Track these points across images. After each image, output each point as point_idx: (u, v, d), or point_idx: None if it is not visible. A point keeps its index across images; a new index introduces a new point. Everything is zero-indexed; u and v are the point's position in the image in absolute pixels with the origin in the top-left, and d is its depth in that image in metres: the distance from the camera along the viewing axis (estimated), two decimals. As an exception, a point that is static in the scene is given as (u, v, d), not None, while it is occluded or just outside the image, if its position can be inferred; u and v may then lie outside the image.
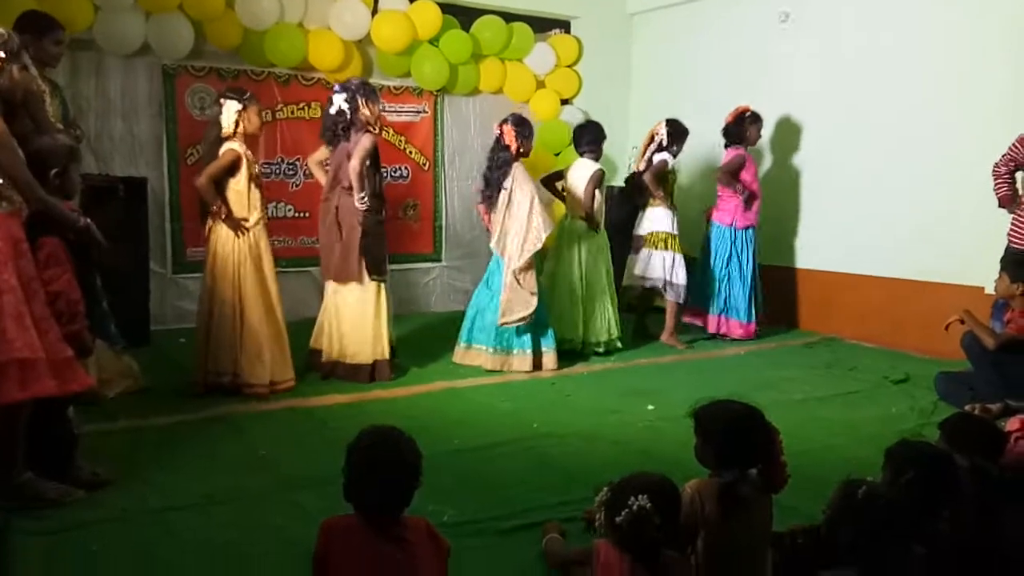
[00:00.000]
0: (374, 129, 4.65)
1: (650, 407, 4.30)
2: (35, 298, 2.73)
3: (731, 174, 5.85)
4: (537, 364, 5.00)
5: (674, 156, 5.81)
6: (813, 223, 6.47)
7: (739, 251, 5.95)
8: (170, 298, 5.96)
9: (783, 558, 2.39)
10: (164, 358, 4.99)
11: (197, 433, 3.73)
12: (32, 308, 2.69)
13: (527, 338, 4.97)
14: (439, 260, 7.21)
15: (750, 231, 5.96)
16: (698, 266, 6.03)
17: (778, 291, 6.40)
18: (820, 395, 4.63)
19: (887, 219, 5.87)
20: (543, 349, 5.03)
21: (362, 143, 4.45)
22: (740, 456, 2.28)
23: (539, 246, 4.84)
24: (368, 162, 4.49)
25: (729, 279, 5.96)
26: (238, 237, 4.23)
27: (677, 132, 5.79)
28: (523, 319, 4.85)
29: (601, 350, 5.46)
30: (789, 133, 6.53)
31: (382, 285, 4.66)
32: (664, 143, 5.76)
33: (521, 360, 4.96)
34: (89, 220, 3.00)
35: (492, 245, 5.03)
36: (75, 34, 5.29)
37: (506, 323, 4.86)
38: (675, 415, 3.98)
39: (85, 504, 2.88)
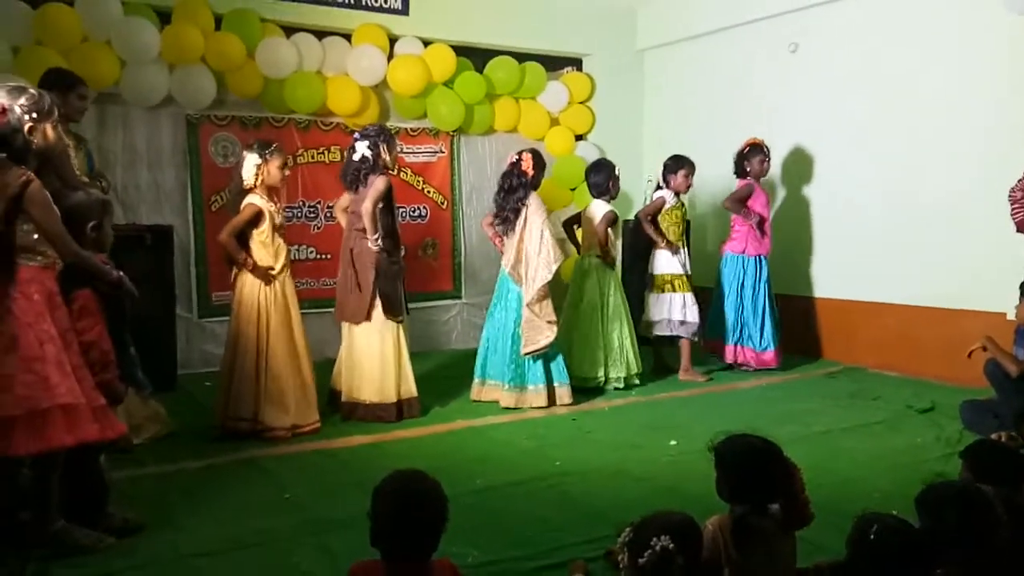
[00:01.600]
0: (391, 171, 4.75)
1: (672, 442, 4.30)
2: (71, 348, 2.82)
3: (737, 201, 5.91)
4: (552, 399, 5.02)
5: (678, 191, 5.86)
6: (831, 252, 6.47)
7: (751, 279, 5.97)
8: (196, 342, 6.06)
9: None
10: (191, 402, 5.07)
11: (224, 477, 3.78)
12: (69, 357, 2.78)
13: (541, 373, 5.00)
14: (459, 297, 7.27)
15: (762, 259, 5.98)
16: (713, 297, 6.05)
17: (798, 321, 6.39)
18: (843, 426, 4.61)
19: (906, 246, 5.87)
20: (556, 384, 5.05)
21: (375, 185, 4.55)
22: (753, 490, 2.29)
23: (549, 277, 4.88)
24: (381, 204, 4.57)
25: (743, 308, 5.97)
26: (266, 285, 4.31)
27: (673, 166, 5.86)
28: (545, 348, 4.90)
29: (621, 386, 5.47)
30: (803, 162, 6.57)
31: (400, 325, 4.71)
32: (660, 183, 5.85)
33: (536, 396, 4.98)
34: (121, 273, 3.09)
35: (506, 269, 5.07)
36: (102, 89, 5.49)
37: (529, 353, 4.90)
38: (698, 449, 3.92)
39: (117, 551, 2.92)
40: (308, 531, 3.15)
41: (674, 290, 5.78)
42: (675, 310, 5.76)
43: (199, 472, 3.84)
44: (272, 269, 4.36)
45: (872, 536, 2.12)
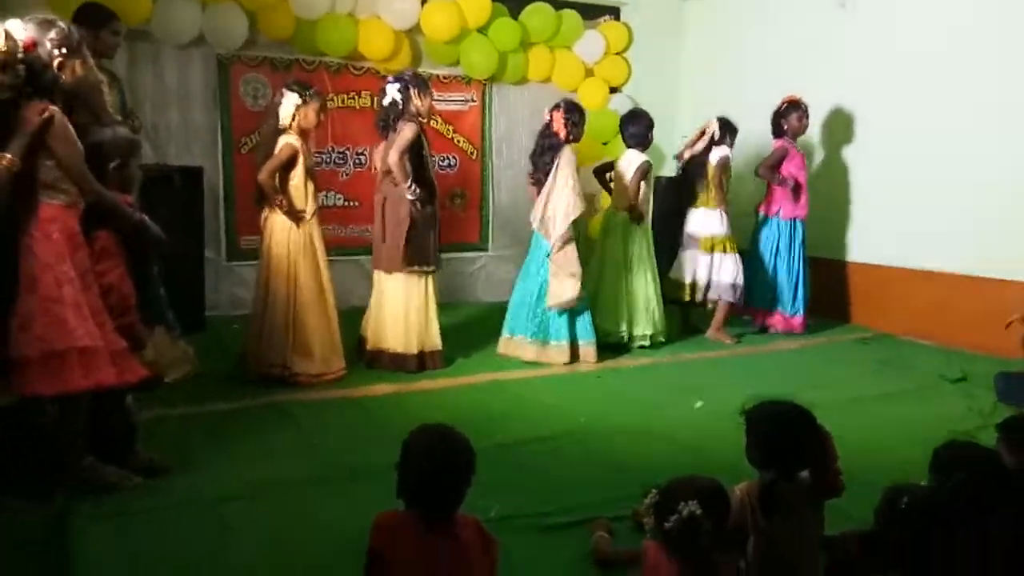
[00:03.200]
0: (423, 119, 4.66)
1: (698, 403, 4.25)
2: (90, 290, 2.80)
3: (770, 168, 5.77)
4: (575, 356, 4.98)
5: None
6: (867, 215, 6.32)
7: (785, 242, 5.86)
8: (224, 285, 6.07)
9: (834, 563, 2.36)
10: (219, 344, 5.09)
11: (250, 420, 3.81)
12: (88, 299, 2.77)
13: (564, 329, 4.95)
14: (485, 249, 7.21)
15: (797, 223, 5.85)
16: (746, 260, 5.95)
17: (830, 285, 6.28)
18: (873, 394, 4.54)
19: (944, 212, 5.70)
20: (581, 341, 5.01)
21: (403, 134, 4.47)
22: (782, 456, 2.25)
23: (566, 225, 4.84)
24: (408, 153, 4.49)
25: (775, 271, 5.87)
26: (297, 228, 4.29)
27: (730, 129, 5.72)
28: (571, 301, 4.85)
29: (647, 344, 5.41)
30: (844, 123, 6.38)
31: (429, 276, 4.67)
32: (716, 138, 5.68)
33: (558, 351, 4.94)
34: (143, 216, 3.06)
35: (534, 224, 5.02)
36: (133, 26, 5.41)
37: (553, 306, 4.87)
38: (723, 411, 3.92)
39: (143, 490, 2.96)
40: (330, 479, 3.17)
41: (725, 251, 5.67)
42: (724, 272, 5.64)
43: (225, 414, 3.87)
44: (303, 212, 4.32)
45: (902, 507, 2.09)
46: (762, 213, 5.93)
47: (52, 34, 2.69)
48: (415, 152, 4.55)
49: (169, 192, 5.02)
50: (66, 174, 2.72)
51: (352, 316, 4.91)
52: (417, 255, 4.60)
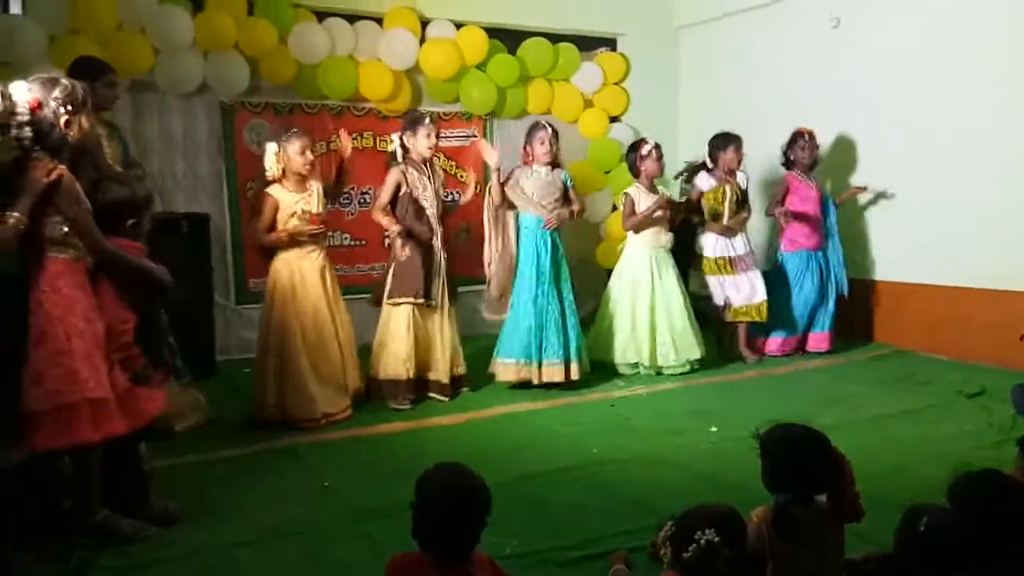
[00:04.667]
0: (423, 156, 4.75)
1: (713, 429, 4.22)
2: (101, 337, 2.81)
3: (775, 204, 5.87)
4: (568, 376, 4.97)
5: (723, 173, 5.73)
6: (879, 233, 6.29)
7: (794, 273, 5.89)
8: (234, 328, 6.09)
9: (857, 587, 2.32)
10: (229, 389, 5.09)
11: (263, 465, 3.80)
12: (101, 348, 2.78)
13: (557, 349, 4.95)
14: (492, 283, 7.21)
15: (802, 253, 5.88)
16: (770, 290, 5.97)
17: (846, 303, 6.22)
18: (891, 412, 4.49)
19: (955, 226, 5.67)
20: (550, 361, 4.96)
21: (385, 180, 4.76)
22: (795, 480, 2.22)
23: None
24: (389, 195, 4.70)
25: (795, 301, 5.90)
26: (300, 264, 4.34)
27: (712, 147, 5.76)
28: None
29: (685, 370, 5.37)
30: (847, 144, 6.37)
31: (405, 308, 4.70)
32: (706, 163, 5.78)
33: (551, 370, 4.93)
34: (147, 261, 3.09)
35: None
36: (137, 76, 5.51)
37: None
38: (739, 436, 3.89)
39: (158, 541, 2.94)
40: (347, 520, 3.15)
41: (713, 272, 5.72)
42: (713, 292, 5.73)
43: (238, 460, 3.86)
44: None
45: (922, 528, 2.06)
46: (780, 248, 6.01)
47: (56, 92, 2.74)
48: (397, 193, 4.71)
49: (177, 239, 5.07)
50: (73, 230, 2.75)
51: (362, 353, 4.89)
52: (396, 289, 4.69)
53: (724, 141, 5.73)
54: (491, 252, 5.12)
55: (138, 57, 5.43)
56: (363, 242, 6.53)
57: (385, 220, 4.71)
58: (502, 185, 5.05)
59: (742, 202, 5.83)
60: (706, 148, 5.82)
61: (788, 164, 5.92)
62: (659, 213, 5.39)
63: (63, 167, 2.69)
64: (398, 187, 4.73)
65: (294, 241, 4.34)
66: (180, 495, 3.30)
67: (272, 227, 4.35)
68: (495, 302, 5.18)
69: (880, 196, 6.13)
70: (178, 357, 4.19)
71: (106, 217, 2.96)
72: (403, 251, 4.68)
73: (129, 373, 2.90)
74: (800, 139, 5.81)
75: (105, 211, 2.97)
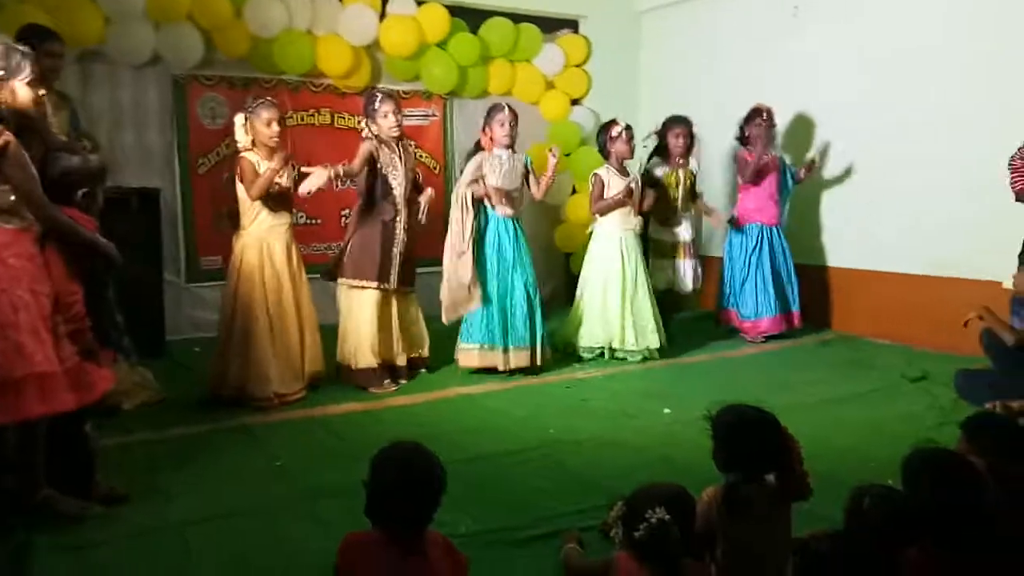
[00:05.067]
0: (386, 133, 4.66)
1: (666, 411, 4.27)
2: (48, 310, 2.73)
3: (742, 177, 5.93)
4: (533, 362, 4.97)
5: (672, 158, 5.78)
6: (825, 219, 6.42)
7: (745, 247, 5.97)
8: (185, 307, 5.98)
9: (804, 564, 2.37)
10: (180, 368, 5.00)
11: (214, 444, 3.74)
12: (47, 321, 2.71)
13: (523, 335, 4.93)
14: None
15: (753, 228, 5.96)
16: (723, 266, 6.11)
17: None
18: (838, 395, 4.59)
19: (902, 214, 5.82)
20: (516, 347, 4.94)
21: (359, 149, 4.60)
22: (745, 459, 2.27)
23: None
24: (361, 163, 4.55)
25: (732, 274, 6.02)
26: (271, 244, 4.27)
27: (662, 131, 5.82)
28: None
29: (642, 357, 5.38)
30: (803, 129, 6.47)
31: (346, 290, 4.66)
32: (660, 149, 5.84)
33: (517, 356, 4.91)
34: (97, 235, 3.00)
35: None
36: (86, 46, 5.34)
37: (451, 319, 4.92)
38: (692, 418, 3.92)
39: (104, 520, 2.88)
40: (299, 500, 3.12)
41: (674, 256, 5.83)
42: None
43: (188, 439, 3.79)
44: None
45: (865, 506, 2.12)
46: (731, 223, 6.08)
47: None
48: (369, 167, 4.60)
49: (126, 215, 4.95)
50: (21, 199, 2.66)
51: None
52: (352, 270, 4.63)
53: (670, 124, 5.79)
54: (453, 256, 4.94)
55: (88, 26, 5.26)
56: (318, 220, 6.45)
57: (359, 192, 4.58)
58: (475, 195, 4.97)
59: (692, 187, 5.88)
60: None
61: (743, 140, 5.98)
62: (626, 199, 5.39)
63: (9, 133, 2.59)
64: (372, 160, 4.58)
65: (269, 207, 4.24)
66: (129, 474, 3.24)
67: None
68: (453, 308, 4.97)
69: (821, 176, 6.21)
70: (125, 336, 4.10)
71: (58, 188, 2.87)
72: (315, 178, 4.28)
73: (78, 347, 2.81)
74: (758, 116, 5.87)
75: (57, 182, 2.88)
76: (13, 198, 2.66)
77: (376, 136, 4.62)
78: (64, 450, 2.93)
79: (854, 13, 6.09)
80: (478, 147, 5.06)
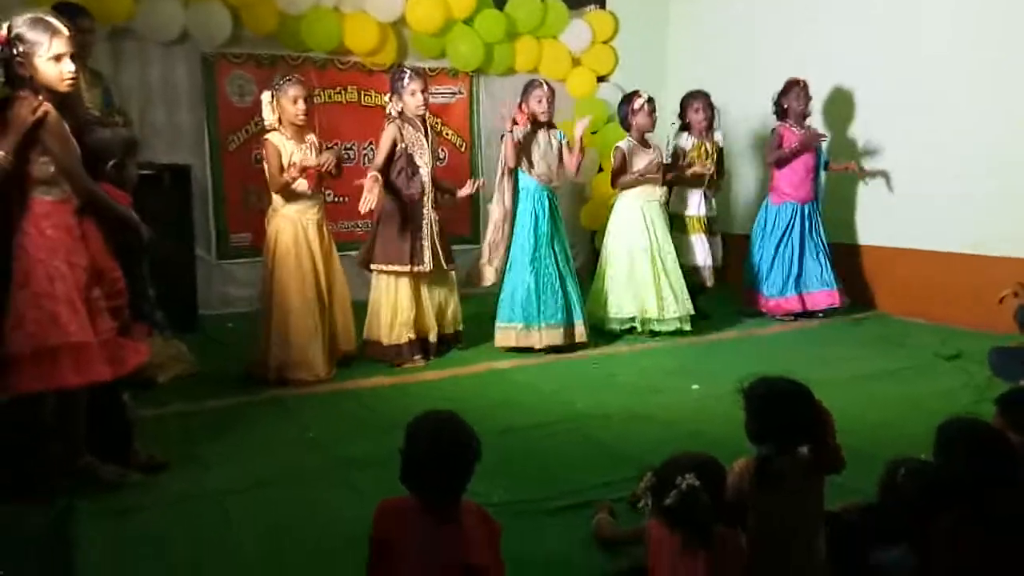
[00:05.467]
0: (416, 113, 4.64)
1: (695, 386, 4.27)
2: (86, 283, 2.78)
3: (771, 152, 5.84)
4: (572, 338, 4.95)
5: (695, 132, 5.71)
6: (858, 197, 6.33)
7: (777, 227, 5.89)
8: (216, 284, 6.05)
9: (836, 537, 2.37)
10: (212, 343, 5.08)
11: (247, 416, 3.80)
12: (83, 292, 2.75)
13: (556, 312, 4.90)
14: (476, 243, 7.19)
15: (788, 205, 5.87)
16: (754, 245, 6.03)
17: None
18: (870, 372, 4.55)
19: (935, 191, 5.72)
20: (549, 324, 4.91)
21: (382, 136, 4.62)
22: (778, 430, 2.26)
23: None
24: (384, 155, 4.56)
25: (762, 254, 5.93)
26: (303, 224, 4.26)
27: (681, 106, 5.76)
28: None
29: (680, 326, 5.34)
30: (837, 104, 6.36)
31: (379, 275, 4.66)
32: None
33: (551, 333, 4.88)
34: (134, 213, 3.04)
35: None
36: (117, 23, 5.38)
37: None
38: (720, 393, 3.92)
39: (143, 487, 2.94)
40: (333, 469, 3.16)
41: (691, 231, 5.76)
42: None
43: (223, 411, 3.86)
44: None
45: (899, 479, 2.12)
46: (767, 201, 5.99)
47: (24, 28, 2.64)
48: (390, 149, 4.58)
49: (158, 191, 5.00)
50: (60, 171, 2.69)
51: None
52: (382, 254, 4.61)
53: (688, 99, 5.72)
54: (499, 219, 4.98)
55: (117, 4, 5.29)
56: (345, 199, 6.46)
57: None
58: (517, 146, 4.90)
59: (720, 161, 5.82)
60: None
61: (780, 114, 5.87)
62: (650, 174, 5.35)
63: (48, 104, 2.63)
64: (394, 145, 4.58)
65: (294, 194, 4.22)
66: (166, 444, 3.30)
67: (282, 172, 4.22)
68: (485, 270, 5.06)
69: (868, 176, 6.12)
70: (159, 311, 4.16)
71: (87, 159, 2.89)
72: (370, 194, 4.30)
73: (117, 322, 2.86)
74: (794, 87, 5.76)
75: (86, 153, 2.91)
76: (52, 169, 2.69)
77: (400, 114, 4.61)
78: (103, 419, 2.98)
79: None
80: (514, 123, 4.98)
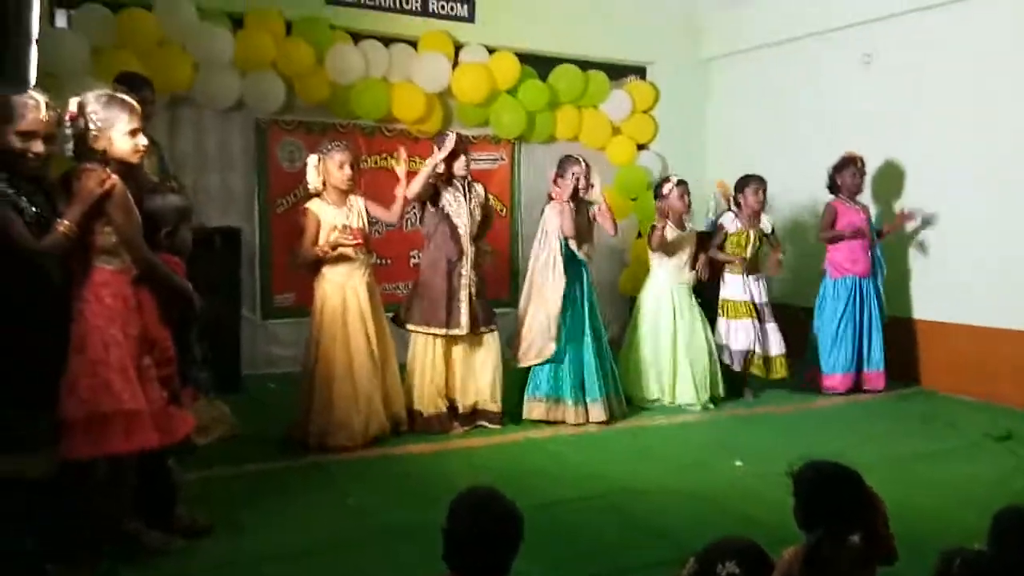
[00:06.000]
0: (452, 177, 4.74)
1: (738, 463, 4.20)
2: (139, 351, 2.85)
3: (825, 230, 5.81)
4: (610, 414, 4.91)
5: (744, 215, 5.67)
6: (907, 270, 6.25)
7: (838, 301, 5.79)
8: (260, 343, 6.14)
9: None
10: (255, 403, 5.12)
11: (289, 481, 3.82)
12: (140, 362, 2.82)
13: (580, 388, 4.87)
14: (515, 306, 7.21)
15: (847, 280, 5.79)
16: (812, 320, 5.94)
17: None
18: (920, 452, 4.44)
19: (981, 265, 5.64)
20: (590, 399, 4.88)
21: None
22: (828, 518, 2.19)
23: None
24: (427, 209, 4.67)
25: (826, 331, 5.82)
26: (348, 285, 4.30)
27: (736, 188, 5.73)
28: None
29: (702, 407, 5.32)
30: (882, 179, 6.33)
31: (415, 336, 4.69)
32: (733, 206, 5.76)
33: (594, 410, 4.85)
34: (188, 283, 3.12)
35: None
36: (176, 92, 5.62)
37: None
38: (764, 472, 3.89)
39: (186, 553, 2.97)
40: (373, 539, 3.16)
41: (727, 316, 5.65)
42: (721, 335, 5.62)
43: (264, 475, 3.89)
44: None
45: (954, 570, 2.05)
46: (825, 275, 5.92)
47: (95, 106, 2.78)
48: (436, 209, 4.68)
49: (209, 253, 5.12)
50: (122, 241, 2.79)
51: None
52: (418, 314, 4.64)
53: (744, 182, 5.69)
54: (544, 319, 4.89)
55: (178, 73, 5.53)
56: (388, 261, 6.58)
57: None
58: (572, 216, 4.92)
59: (772, 245, 5.78)
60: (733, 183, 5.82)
61: (834, 189, 5.84)
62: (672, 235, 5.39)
63: (115, 177, 2.74)
64: (436, 198, 4.65)
65: (340, 257, 4.27)
66: (208, 508, 3.32)
67: (316, 243, 4.29)
68: (521, 356, 4.97)
69: (927, 223, 6.02)
70: (205, 372, 4.23)
71: (146, 228, 3.00)
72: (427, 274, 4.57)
73: (167, 391, 2.93)
74: (851, 165, 5.74)
75: (145, 222, 3.02)
76: (115, 240, 2.80)
77: (441, 176, 4.66)
78: (148, 483, 3.02)
79: (928, 60, 5.98)
80: (550, 198, 5.05)
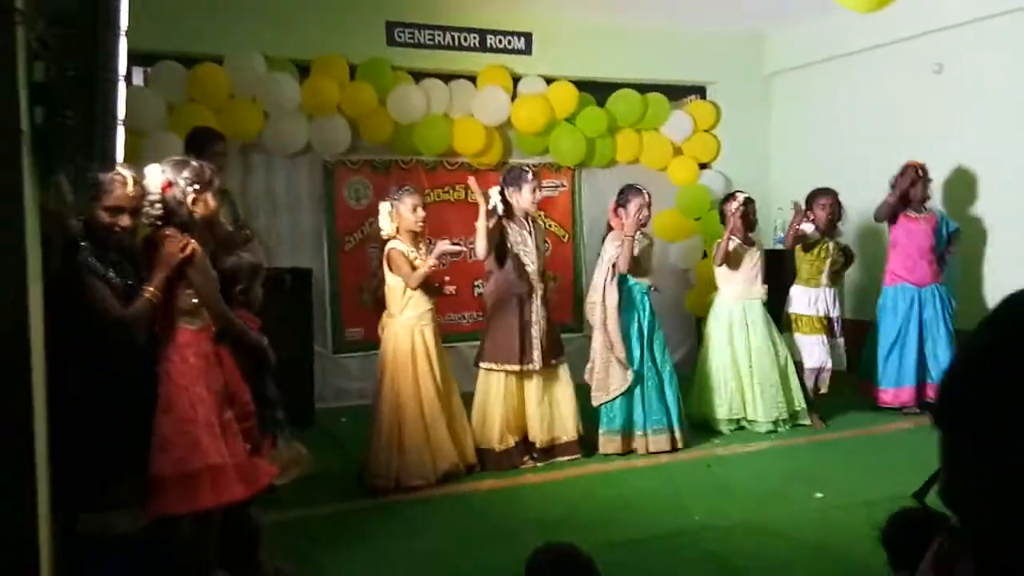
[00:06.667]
0: (525, 212, 4.76)
1: (818, 495, 4.08)
2: (221, 406, 2.96)
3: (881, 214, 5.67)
4: (674, 444, 4.87)
5: (818, 225, 5.52)
6: (973, 283, 6.02)
7: (896, 312, 5.63)
8: (330, 377, 6.29)
9: None
10: (329, 438, 5.23)
11: (363, 523, 3.89)
12: (222, 417, 2.93)
13: (660, 417, 4.84)
14: (579, 331, 7.22)
15: (904, 288, 5.62)
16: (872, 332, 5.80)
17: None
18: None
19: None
20: (654, 429, 4.85)
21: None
22: (906, 559, 2.14)
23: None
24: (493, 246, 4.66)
25: (876, 342, 5.67)
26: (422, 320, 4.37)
27: (807, 201, 5.59)
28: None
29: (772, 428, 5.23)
30: (952, 188, 6.14)
31: (484, 372, 4.69)
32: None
33: (657, 440, 4.82)
34: (263, 339, 3.23)
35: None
36: (247, 140, 5.83)
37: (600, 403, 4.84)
38: (846, 504, 3.80)
39: (270, 601, 3.05)
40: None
41: (799, 331, 5.52)
42: (797, 350, 5.49)
43: (341, 516, 3.97)
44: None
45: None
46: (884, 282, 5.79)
47: (186, 173, 2.92)
48: (499, 245, 4.67)
49: (281, 293, 5.28)
50: (202, 302, 2.91)
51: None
52: (489, 352, 4.66)
53: (815, 195, 5.58)
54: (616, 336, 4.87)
55: (249, 122, 5.75)
56: (454, 291, 6.64)
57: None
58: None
59: (847, 260, 5.64)
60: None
61: (900, 200, 5.66)
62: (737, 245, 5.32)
63: (195, 242, 2.87)
64: (502, 236, 4.68)
65: (426, 290, 4.36)
66: (287, 551, 3.41)
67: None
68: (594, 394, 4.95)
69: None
70: (281, 411, 4.33)
71: (221, 285, 3.12)
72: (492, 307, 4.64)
73: (249, 444, 3.03)
74: (911, 171, 5.57)
75: (220, 280, 3.14)
76: (195, 301, 2.92)
77: (505, 213, 4.69)
78: (231, 531, 3.11)
79: (1000, 68, 5.78)
80: (610, 227, 5.03)
